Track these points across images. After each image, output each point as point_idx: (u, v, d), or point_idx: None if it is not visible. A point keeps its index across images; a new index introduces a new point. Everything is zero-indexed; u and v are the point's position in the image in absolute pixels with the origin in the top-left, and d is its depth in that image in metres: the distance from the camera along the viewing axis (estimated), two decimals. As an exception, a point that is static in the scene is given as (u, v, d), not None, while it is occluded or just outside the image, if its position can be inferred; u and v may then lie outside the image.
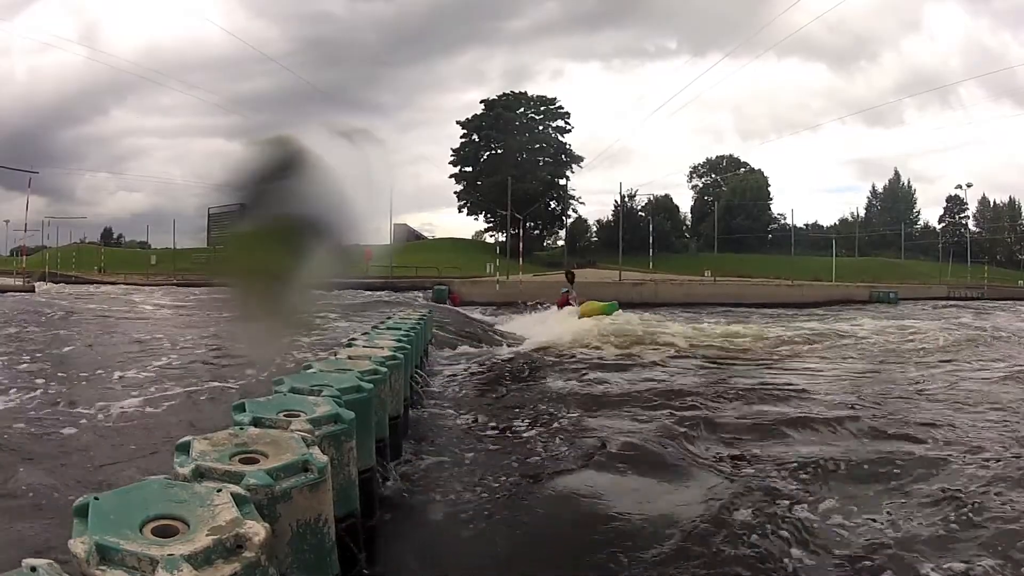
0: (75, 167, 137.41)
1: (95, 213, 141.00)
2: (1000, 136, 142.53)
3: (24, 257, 58.16)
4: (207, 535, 1.93)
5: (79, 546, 1.77)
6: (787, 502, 5.00)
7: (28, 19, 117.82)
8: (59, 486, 5.05)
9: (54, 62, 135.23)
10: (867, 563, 4.04)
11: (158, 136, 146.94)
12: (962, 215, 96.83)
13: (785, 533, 4.43)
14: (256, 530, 2.00)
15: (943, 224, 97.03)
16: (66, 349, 12.94)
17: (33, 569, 1.62)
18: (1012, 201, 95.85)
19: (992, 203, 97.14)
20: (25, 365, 10.75)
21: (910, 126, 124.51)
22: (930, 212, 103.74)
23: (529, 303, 25.36)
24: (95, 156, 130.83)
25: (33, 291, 38.42)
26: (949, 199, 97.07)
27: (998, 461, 6.03)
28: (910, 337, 17.94)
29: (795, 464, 5.91)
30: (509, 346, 15.79)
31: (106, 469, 5.56)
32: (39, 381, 9.13)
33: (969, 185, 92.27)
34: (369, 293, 34.44)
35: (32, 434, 6.50)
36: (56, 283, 50.06)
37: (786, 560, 4.05)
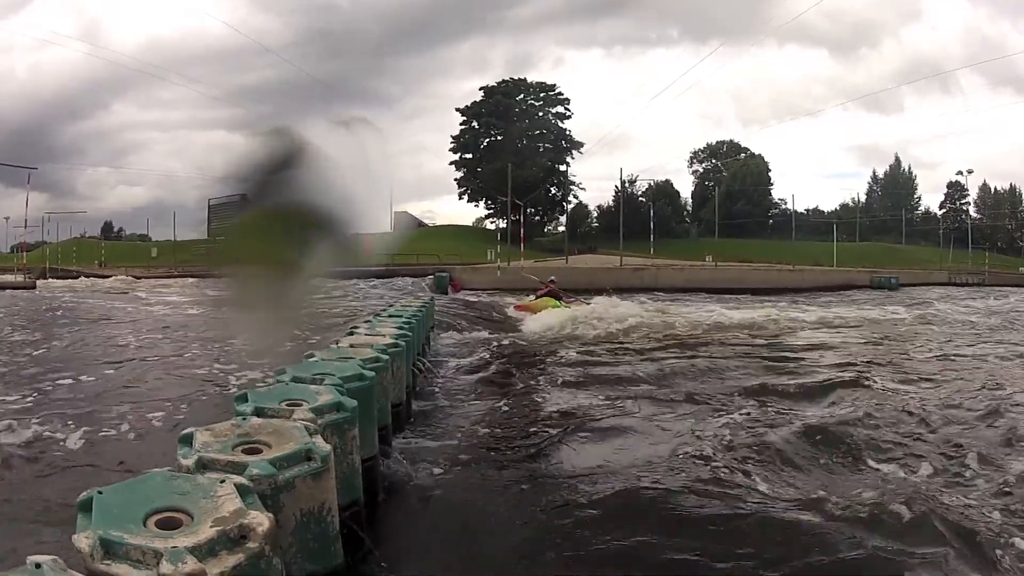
0: (76, 162, 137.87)
1: (96, 208, 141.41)
2: (1000, 123, 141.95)
3: (24, 253, 58.11)
4: (211, 526, 1.93)
5: (83, 540, 1.76)
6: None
7: (28, 16, 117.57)
8: (62, 480, 5.05)
9: (54, 58, 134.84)
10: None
11: (159, 129, 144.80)
12: (963, 201, 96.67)
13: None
14: (260, 520, 2.00)
15: (944, 210, 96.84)
16: (66, 345, 12.91)
17: (38, 566, 1.62)
18: (1013, 188, 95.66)
19: (993, 190, 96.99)
20: (24, 361, 10.75)
21: (910, 112, 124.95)
22: (931, 198, 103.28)
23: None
24: (96, 151, 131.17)
25: (34, 287, 38.28)
26: (950, 185, 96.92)
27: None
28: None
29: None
30: (508, 332, 15.85)
31: (109, 462, 5.56)
32: (39, 378, 9.12)
33: (970, 171, 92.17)
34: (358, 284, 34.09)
35: (33, 430, 6.50)
36: (67, 278, 49.69)
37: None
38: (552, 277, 24.81)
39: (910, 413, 7.12)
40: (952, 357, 12.03)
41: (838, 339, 14.83)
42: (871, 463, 5.57)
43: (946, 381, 9.24)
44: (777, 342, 14.19)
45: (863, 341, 14.58)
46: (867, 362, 10.99)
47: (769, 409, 7.34)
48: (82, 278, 49.31)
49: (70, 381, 8.74)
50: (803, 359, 11.49)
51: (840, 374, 9.64)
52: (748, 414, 7.10)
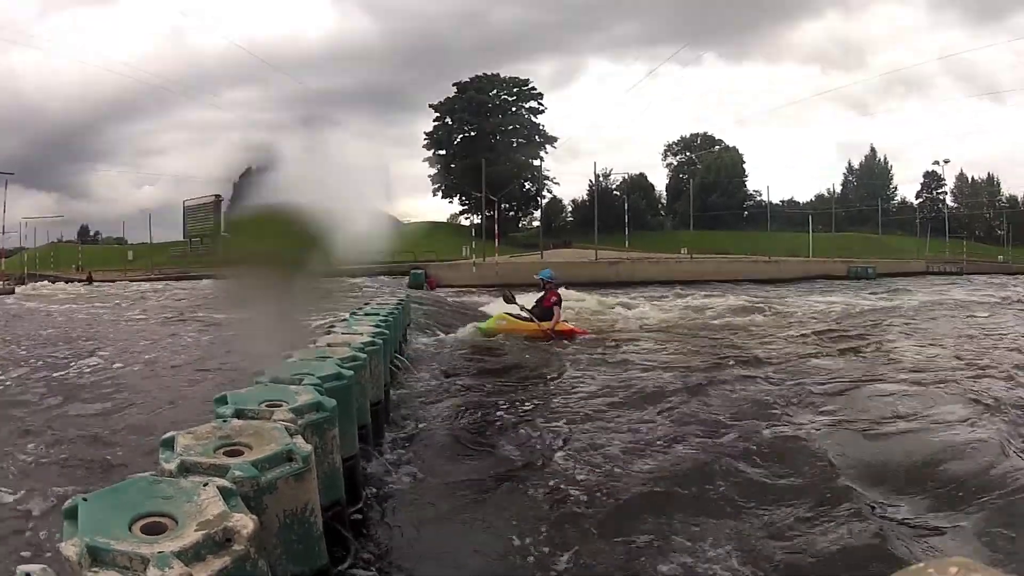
0: (89, 164, 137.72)
1: (102, 211, 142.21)
2: (977, 115, 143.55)
3: (3, 260, 57.98)
4: (196, 530, 1.93)
5: (70, 548, 1.76)
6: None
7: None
8: (46, 488, 5.01)
9: (73, 70, 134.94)
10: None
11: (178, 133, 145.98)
12: (939, 191, 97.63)
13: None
14: (244, 523, 2.00)
15: (920, 200, 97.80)
16: (48, 350, 12.80)
17: (28, 575, 1.62)
18: (991, 177, 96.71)
19: (970, 179, 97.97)
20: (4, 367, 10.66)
21: (886, 104, 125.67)
22: (907, 188, 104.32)
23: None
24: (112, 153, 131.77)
25: (13, 293, 37.98)
26: (926, 175, 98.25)
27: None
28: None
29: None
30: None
31: (92, 468, 5.52)
32: (21, 383, 9.06)
33: (946, 161, 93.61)
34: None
35: (20, 433, 6.45)
36: (69, 282, 49.64)
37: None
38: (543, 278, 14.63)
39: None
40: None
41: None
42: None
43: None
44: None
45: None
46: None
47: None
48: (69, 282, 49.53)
49: (49, 384, 8.70)
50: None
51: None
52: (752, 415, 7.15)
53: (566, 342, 12.78)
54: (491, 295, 24.25)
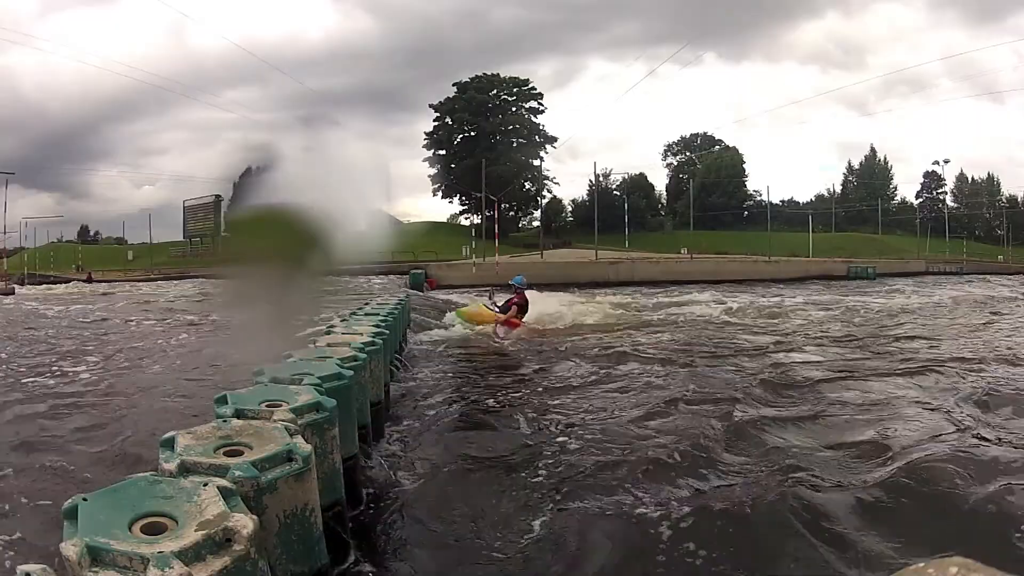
0: (89, 164, 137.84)
1: (104, 211, 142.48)
2: (975, 123, 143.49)
3: (4, 260, 58.02)
4: (196, 530, 1.93)
5: (70, 548, 1.76)
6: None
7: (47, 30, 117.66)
8: (47, 487, 5.01)
9: (72, 69, 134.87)
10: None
11: (176, 132, 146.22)
12: (939, 191, 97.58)
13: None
14: (244, 523, 2.00)
15: (920, 200, 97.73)
16: (45, 351, 12.80)
17: (28, 575, 1.62)
18: (991, 177, 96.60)
19: (970, 179, 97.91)
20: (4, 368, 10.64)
21: (886, 104, 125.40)
22: (907, 189, 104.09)
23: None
24: (111, 154, 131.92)
25: (13, 293, 37.92)
26: (926, 175, 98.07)
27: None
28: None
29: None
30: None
31: (92, 468, 5.51)
32: (20, 385, 9.05)
33: (947, 161, 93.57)
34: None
35: (16, 436, 6.44)
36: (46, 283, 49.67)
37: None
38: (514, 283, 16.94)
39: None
40: None
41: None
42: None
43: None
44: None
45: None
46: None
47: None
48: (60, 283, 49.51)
49: (47, 387, 8.68)
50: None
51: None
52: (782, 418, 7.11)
53: (513, 334, 14.81)
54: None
